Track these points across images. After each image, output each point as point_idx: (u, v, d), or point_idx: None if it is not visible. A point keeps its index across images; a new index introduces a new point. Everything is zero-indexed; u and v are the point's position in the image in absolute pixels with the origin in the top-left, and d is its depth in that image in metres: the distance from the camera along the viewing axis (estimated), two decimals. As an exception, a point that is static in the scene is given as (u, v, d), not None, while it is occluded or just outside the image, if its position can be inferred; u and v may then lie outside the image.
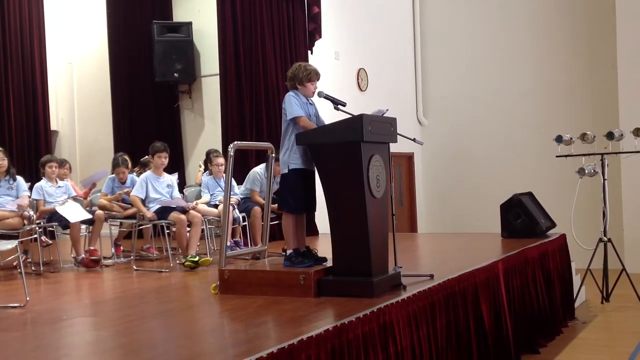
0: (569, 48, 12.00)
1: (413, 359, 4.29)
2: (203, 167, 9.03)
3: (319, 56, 10.17)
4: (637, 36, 10.81)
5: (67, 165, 8.29)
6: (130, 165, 8.34)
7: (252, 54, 9.85)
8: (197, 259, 6.64)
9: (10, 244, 5.34)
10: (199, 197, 8.03)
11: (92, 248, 7.09)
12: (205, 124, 11.48)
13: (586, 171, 8.09)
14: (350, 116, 4.79)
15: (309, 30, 10.17)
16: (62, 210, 6.91)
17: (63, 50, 12.32)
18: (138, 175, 8.15)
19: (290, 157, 4.96)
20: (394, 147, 5.15)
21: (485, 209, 11.21)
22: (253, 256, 6.73)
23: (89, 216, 7.09)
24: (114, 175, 8.04)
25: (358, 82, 11.51)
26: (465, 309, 5.14)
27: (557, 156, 8.35)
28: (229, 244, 6.87)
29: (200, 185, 9.00)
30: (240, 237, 7.77)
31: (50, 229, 7.18)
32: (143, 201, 7.14)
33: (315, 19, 10.15)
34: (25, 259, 6.95)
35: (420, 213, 13.23)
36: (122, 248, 8.01)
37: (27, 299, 4.92)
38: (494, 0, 12.66)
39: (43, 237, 7.19)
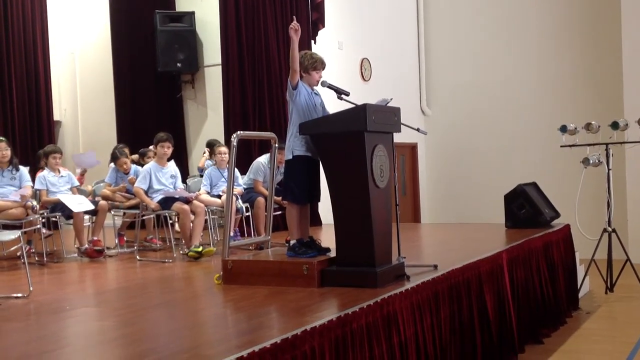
0: (573, 38, 11.94)
1: (417, 350, 4.29)
2: (208, 153, 9.03)
3: (322, 46, 10.13)
4: (642, 25, 10.75)
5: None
6: (129, 153, 8.33)
7: (254, 44, 9.81)
8: (200, 249, 6.64)
9: (13, 234, 5.34)
10: (202, 187, 8.02)
11: (95, 238, 7.10)
12: (208, 114, 11.46)
13: (590, 161, 8.05)
14: (354, 106, 4.77)
15: (312, 19, 10.12)
16: (65, 200, 6.91)
17: (65, 40, 12.30)
18: (137, 163, 8.16)
19: (294, 143, 4.95)
20: (397, 137, 5.12)
21: (489, 199, 11.20)
22: (256, 246, 6.73)
23: (92, 207, 7.09)
24: (116, 166, 8.03)
25: (361, 72, 11.47)
26: (469, 299, 5.13)
27: (561, 146, 8.31)
28: (232, 234, 6.86)
29: (201, 170, 9.02)
30: (237, 227, 7.77)
31: (54, 219, 7.18)
32: (146, 192, 7.13)
33: (319, 8, 10.10)
34: (29, 249, 6.96)
35: (423, 203, 13.22)
36: (125, 238, 8.01)
37: (31, 289, 4.93)
38: (498, -10, 12.61)
39: (44, 230, 7.15)
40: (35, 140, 10.55)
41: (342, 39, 11.05)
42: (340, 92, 5.12)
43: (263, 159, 7.95)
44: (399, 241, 5.01)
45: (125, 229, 8.10)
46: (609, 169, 8.10)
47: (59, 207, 6.98)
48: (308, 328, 3.44)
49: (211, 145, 8.63)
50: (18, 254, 6.62)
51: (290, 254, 4.99)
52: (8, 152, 6.90)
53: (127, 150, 8.45)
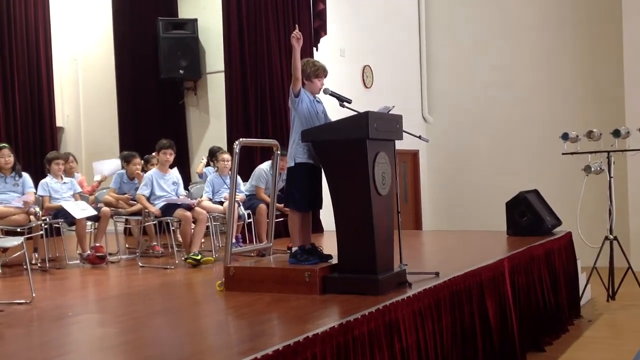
0: (575, 44, 11.96)
1: (418, 357, 4.29)
2: (205, 160, 9.09)
3: (324, 53, 10.15)
4: (643, 33, 10.77)
5: (70, 158, 8.28)
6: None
7: (257, 51, 9.84)
8: (199, 257, 6.64)
9: (16, 241, 5.35)
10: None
11: (97, 245, 7.11)
12: (210, 121, 11.49)
13: (592, 169, 8.06)
14: (356, 113, 4.78)
15: (314, 27, 10.14)
16: (67, 207, 6.92)
17: (68, 47, 12.34)
18: (141, 169, 8.18)
19: (296, 150, 4.96)
20: (399, 144, 5.13)
21: (491, 206, 11.18)
22: (258, 253, 6.73)
23: (94, 212, 7.10)
24: (123, 171, 8.04)
25: (363, 79, 11.49)
26: (470, 306, 5.13)
27: (563, 154, 8.32)
28: (234, 240, 6.87)
29: (200, 176, 9.05)
30: (240, 234, 7.78)
31: (56, 225, 7.19)
32: (148, 198, 7.15)
33: (321, 15, 10.12)
34: (37, 256, 6.99)
35: (425, 210, 13.22)
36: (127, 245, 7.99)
37: (33, 295, 4.94)
38: (500, -3, 12.65)
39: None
40: (38, 146, 10.56)
41: (344, 46, 11.08)
42: (342, 100, 5.13)
43: (265, 165, 7.97)
44: (401, 248, 5.02)
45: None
46: (610, 177, 8.10)
47: (61, 213, 6.99)
48: (310, 335, 3.44)
49: (213, 152, 8.66)
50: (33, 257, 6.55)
51: (292, 261, 4.99)
52: (11, 159, 6.92)
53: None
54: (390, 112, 5.00)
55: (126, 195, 7.80)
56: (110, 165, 8.60)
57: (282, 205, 6.94)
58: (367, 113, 4.62)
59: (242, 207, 7.53)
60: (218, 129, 10.87)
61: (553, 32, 12.15)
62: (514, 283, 5.98)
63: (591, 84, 11.79)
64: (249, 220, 7.71)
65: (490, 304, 5.40)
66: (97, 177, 8.51)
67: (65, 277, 6.44)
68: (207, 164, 8.99)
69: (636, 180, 10.61)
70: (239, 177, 7.16)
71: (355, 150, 4.65)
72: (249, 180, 8.05)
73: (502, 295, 5.68)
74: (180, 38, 11.14)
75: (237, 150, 5.26)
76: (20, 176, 6.97)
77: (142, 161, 8.33)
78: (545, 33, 12.21)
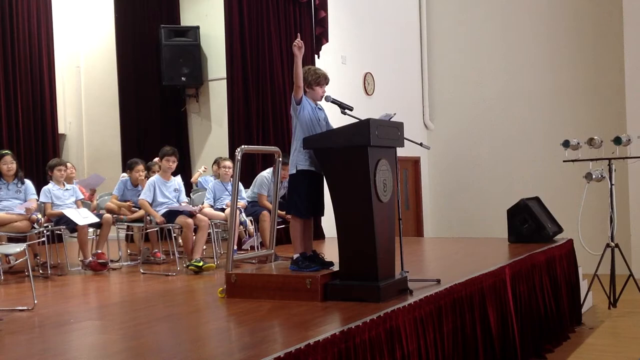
0: (576, 52, 11.98)
1: (419, 364, 4.29)
2: (203, 169, 9.10)
3: (325, 60, 10.18)
4: (644, 41, 10.79)
5: (69, 165, 8.27)
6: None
7: (259, 58, 9.86)
8: (201, 264, 6.65)
9: (18, 247, 5.37)
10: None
11: (99, 251, 7.11)
12: (212, 128, 11.51)
13: (593, 176, 8.07)
14: (357, 120, 4.80)
15: (316, 34, 10.18)
16: (69, 213, 6.93)
17: (71, 55, 12.37)
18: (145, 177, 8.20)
19: (298, 158, 4.98)
20: (400, 151, 5.15)
21: (492, 213, 11.20)
22: (263, 260, 6.74)
23: (97, 220, 7.11)
24: (126, 177, 8.05)
25: (365, 86, 11.52)
26: (472, 313, 5.13)
27: (564, 161, 8.33)
28: (235, 247, 6.88)
29: (196, 185, 9.05)
30: (247, 234, 7.82)
31: (58, 232, 7.20)
32: (150, 205, 7.16)
33: (322, 23, 10.16)
34: (38, 263, 6.99)
35: (426, 217, 13.22)
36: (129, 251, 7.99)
37: (35, 302, 4.95)
38: (501, 5, 12.66)
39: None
40: (40, 153, 10.57)
41: (346, 54, 11.10)
42: (343, 107, 5.15)
43: (266, 173, 7.98)
44: (402, 255, 5.03)
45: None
46: (611, 184, 8.11)
47: (63, 220, 7.00)
48: (311, 342, 3.45)
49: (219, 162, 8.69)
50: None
51: (294, 268, 5.00)
52: (13, 166, 6.93)
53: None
54: (391, 120, 5.02)
55: (128, 203, 7.82)
56: (93, 180, 8.63)
57: (284, 212, 6.95)
58: (368, 120, 4.63)
59: (243, 214, 7.54)
60: (220, 136, 10.89)
61: (554, 40, 12.17)
62: (515, 290, 5.99)
63: (592, 91, 11.80)
64: (251, 227, 7.71)
65: (492, 311, 5.40)
66: (88, 192, 8.52)
67: (67, 284, 6.44)
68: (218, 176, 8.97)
69: (637, 188, 10.61)
70: (240, 184, 7.17)
71: (356, 158, 4.67)
72: (251, 187, 8.06)
73: (503, 303, 5.68)
74: (183, 45, 11.18)
75: (239, 157, 5.27)
76: (23, 183, 6.99)
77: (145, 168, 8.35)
78: (547, 41, 12.23)
